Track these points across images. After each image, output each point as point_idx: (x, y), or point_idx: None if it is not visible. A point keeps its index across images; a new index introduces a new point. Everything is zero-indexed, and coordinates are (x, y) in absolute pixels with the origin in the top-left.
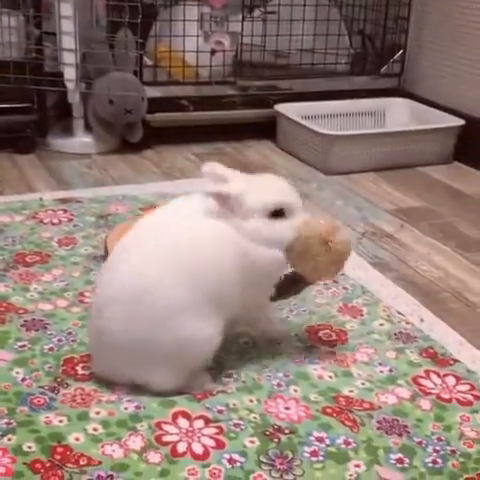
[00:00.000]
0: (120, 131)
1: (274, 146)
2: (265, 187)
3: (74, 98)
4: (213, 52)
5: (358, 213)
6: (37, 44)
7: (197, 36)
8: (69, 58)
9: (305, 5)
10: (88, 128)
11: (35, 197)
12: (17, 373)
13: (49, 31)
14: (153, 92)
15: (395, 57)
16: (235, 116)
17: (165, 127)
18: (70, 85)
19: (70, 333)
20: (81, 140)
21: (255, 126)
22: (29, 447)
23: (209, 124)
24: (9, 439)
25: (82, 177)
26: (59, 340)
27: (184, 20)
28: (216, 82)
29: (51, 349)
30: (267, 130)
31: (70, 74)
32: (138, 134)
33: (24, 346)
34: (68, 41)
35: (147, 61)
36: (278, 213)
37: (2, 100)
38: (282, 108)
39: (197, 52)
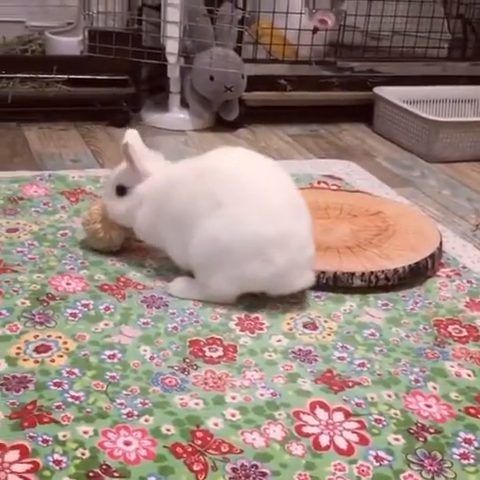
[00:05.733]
0: (216, 108)
1: (369, 130)
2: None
3: (174, 72)
4: (315, 30)
5: (468, 204)
6: (138, 15)
7: (300, 13)
8: (172, 31)
9: None
10: (183, 104)
11: None
12: (145, 351)
13: (148, 4)
14: (251, 70)
15: None
16: (332, 98)
17: (260, 106)
18: (171, 59)
19: (192, 313)
20: (176, 116)
21: (350, 109)
22: (168, 430)
23: (304, 105)
24: (146, 420)
25: (180, 153)
26: (182, 320)
27: None
28: (316, 62)
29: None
30: (362, 113)
31: (172, 47)
32: (234, 112)
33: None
34: (173, 13)
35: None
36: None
37: (101, 71)
38: (382, 91)
39: (299, 30)
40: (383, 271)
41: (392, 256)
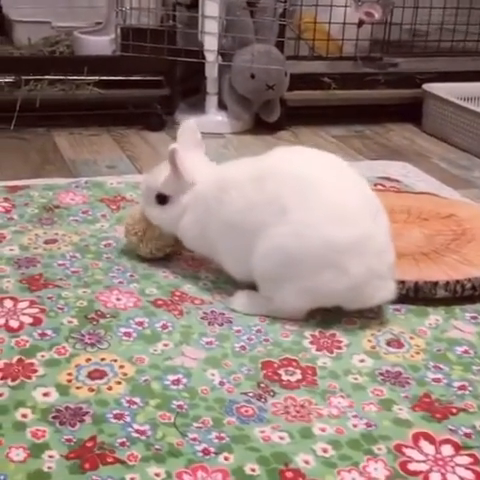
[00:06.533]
0: (256, 109)
1: (417, 130)
2: None
3: (212, 71)
4: (360, 24)
5: None
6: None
7: (345, 6)
8: (211, 26)
9: None
10: (220, 105)
11: None
12: (212, 375)
13: (180, 1)
14: (292, 67)
15: None
16: (377, 96)
17: (301, 106)
18: (210, 56)
19: (259, 331)
20: (214, 118)
21: (394, 107)
22: (252, 469)
23: (348, 104)
24: (226, 458)
25: (220, 158)
26: (249, 339)
27: None
28: (361, 58)
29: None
30: (408, 112)
31: (211, 44)
32: (276, 113)
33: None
34: (211, 7)
35: None
36: None
37: (134, 72)
38: (432, 88)
39: (344, 24)
40: (470, 279)
41: (476, 262)
